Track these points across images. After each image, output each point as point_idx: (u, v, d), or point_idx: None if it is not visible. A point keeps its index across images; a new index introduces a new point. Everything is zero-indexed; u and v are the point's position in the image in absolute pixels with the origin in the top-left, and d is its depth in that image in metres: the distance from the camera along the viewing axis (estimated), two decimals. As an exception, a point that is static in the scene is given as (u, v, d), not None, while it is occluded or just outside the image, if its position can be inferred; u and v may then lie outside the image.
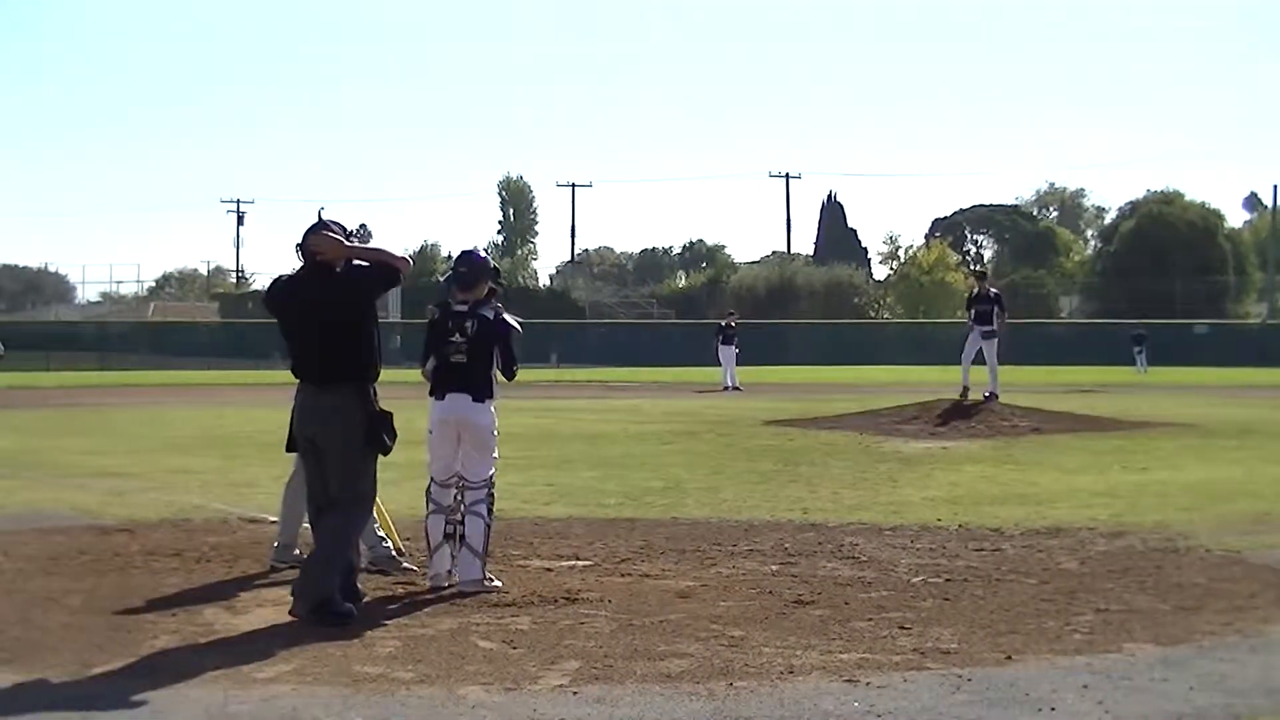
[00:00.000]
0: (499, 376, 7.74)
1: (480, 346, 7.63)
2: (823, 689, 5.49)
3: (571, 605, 7.20)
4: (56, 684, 5.65)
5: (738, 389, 32.76)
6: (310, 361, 6.98)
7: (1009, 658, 6.01)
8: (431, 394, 7.74)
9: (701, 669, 5.81)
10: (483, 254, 8.04)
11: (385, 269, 7.06)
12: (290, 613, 6.81)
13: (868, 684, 5.55)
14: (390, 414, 7.03)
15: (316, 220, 7.09)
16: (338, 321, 6.91)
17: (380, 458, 7.12)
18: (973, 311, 21.47)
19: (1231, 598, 7.36)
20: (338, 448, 6.92)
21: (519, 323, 7.85)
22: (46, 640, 6.42)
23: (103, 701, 5.38)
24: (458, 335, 7.65)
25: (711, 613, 6.99)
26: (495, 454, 7.75)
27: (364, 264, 7.06)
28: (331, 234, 7.00)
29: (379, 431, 6.96)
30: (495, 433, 7.72)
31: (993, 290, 22.16)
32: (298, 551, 8.19)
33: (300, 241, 7.05)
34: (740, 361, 34.98)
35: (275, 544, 8.40)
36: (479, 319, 7.67)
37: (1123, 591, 7.56)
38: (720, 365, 34.82)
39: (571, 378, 42.89)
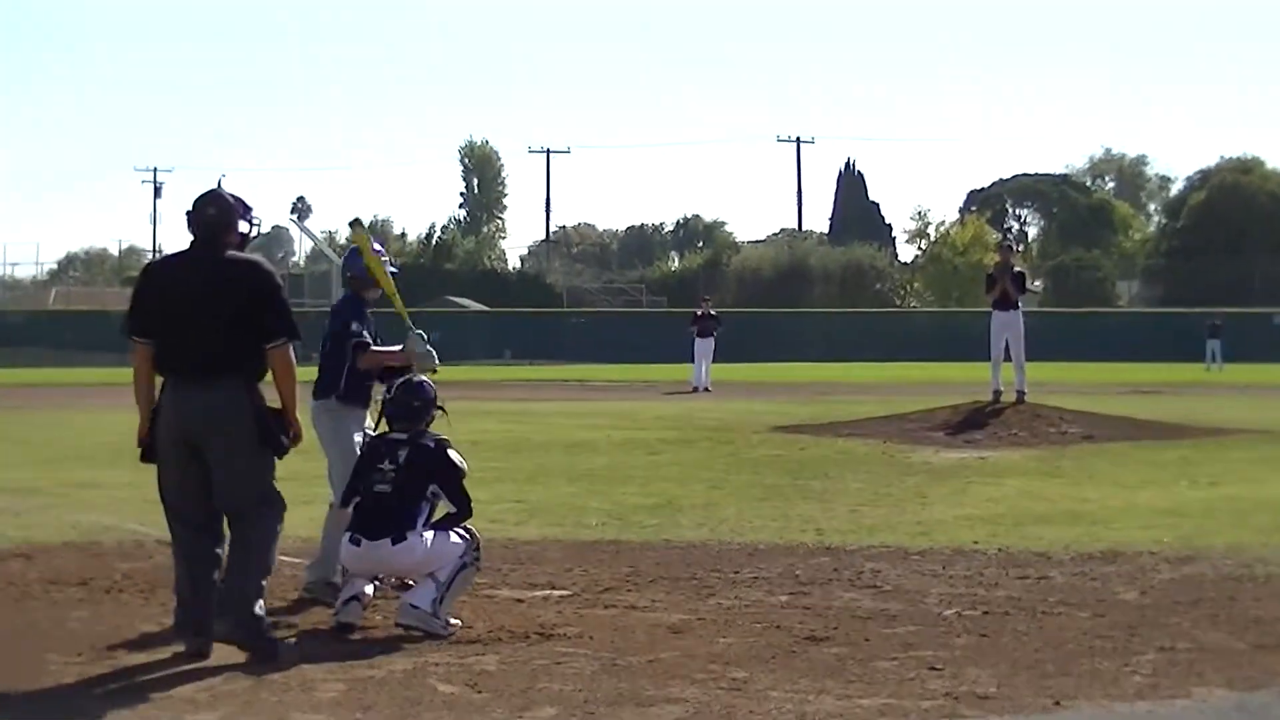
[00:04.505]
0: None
1: (414, 479, 7.59)
2: (840, 740, 5.51)
3: (546, 642, 7.22)
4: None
5: (708, 389, 32.67)
6: (193, 352, 6.88)
7: (1057, 703, 6.04)
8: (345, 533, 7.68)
9: (698, 716, 5.83)
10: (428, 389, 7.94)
11: (285, 320, 6.99)
12: (198, 636, 6.79)
13: (892, 734, 5.57)
14: (280, 411, 7.03)
15: (213, 189, 7.11)
16: (229, 309, 6.86)
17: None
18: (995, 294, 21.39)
19: (1317, 633, 7.40)
20: (232, 450, 6.86)
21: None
22: (-71, 684, 6.41)
23: (-5, 756, 5.39)
24: (386, 462, 7.65)
25: (709, 651, 7.02)
26: (451, 539, 7.59)
27: (267, 268, 7.04)
28: (230, 206, 7.02)
29: (273, 429, 6.95)
30: (436, 550, 7.53)
31: (1016, 268, 22.25)
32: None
33: (190, 210, 6.98)
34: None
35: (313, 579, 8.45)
36: (417, 447, 7.66)
37: (1191, 627, 7.59)
38: (694, 361, 34.65)
39: (546, 376, 42.92)
